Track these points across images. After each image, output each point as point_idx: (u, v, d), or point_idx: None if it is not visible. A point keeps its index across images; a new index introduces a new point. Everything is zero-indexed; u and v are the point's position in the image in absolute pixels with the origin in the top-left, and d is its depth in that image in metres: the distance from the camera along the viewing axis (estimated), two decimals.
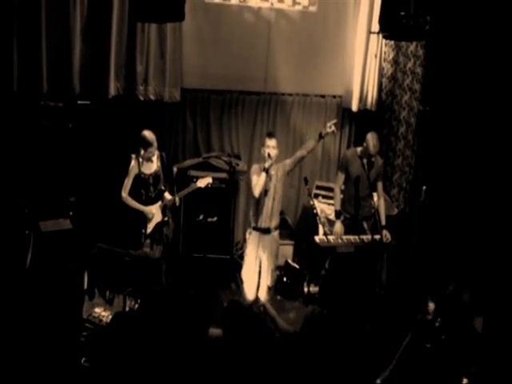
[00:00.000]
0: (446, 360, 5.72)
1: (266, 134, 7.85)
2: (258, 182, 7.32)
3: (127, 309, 6.71)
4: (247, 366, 4.99)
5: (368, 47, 9.70)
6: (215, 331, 5.27)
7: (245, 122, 9.79)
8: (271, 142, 7.41)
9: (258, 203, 7.44)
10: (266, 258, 7.53)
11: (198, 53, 9.38)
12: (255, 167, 7.52)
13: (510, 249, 6.94)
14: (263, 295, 7.58)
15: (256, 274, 7.57)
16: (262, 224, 7.46)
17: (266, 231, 7.47)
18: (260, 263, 7.55)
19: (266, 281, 7.60)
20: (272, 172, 7.42)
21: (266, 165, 7.28)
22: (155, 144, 7.57)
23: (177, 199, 7.77)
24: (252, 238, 7.55)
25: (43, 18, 8.32)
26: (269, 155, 7.33)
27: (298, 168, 9.82)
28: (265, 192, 7.36)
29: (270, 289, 7.66)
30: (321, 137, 7.63)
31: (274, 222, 7.52)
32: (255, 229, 7.51)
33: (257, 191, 7.34)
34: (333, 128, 7.60)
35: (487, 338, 6.56)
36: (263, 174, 7.28)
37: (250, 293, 7.62)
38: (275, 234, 7.58)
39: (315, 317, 5.67)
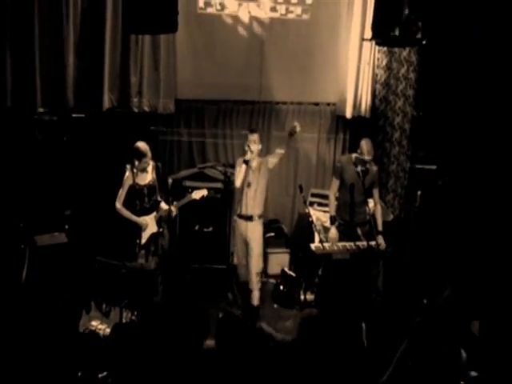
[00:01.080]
0: (443, 364, 5.70)
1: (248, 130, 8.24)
2: (238, 173, 7.89)
3: (124, 321, 6.70)
4: (241, 378, 5.00)
5: (361, 54, 9.73)
6: (210, 343, 5.27)
7: (239, 131, 9.78)
8: (252, 137, 7.86)
9: (242, 193, 7.97)
10: (252, 243, 7.97)
11: (191, 63, 9.41)
12: (239, 160, 8.01)
13: (506, 253, 6.95)
14: (254, 283, 7.98)
15: (244, 257, 8.08)
16: (245, 212, 7.94)
17: (249, 218, 7.95)
18: (247, 248, 8.01)
19: (255, 267, 7.99)
20: (254, 165, 7.88)
21: (246, 157, 7.78)
22: (149, 154, 7.58)
23: (174, 209, 7.77)
24: (237, 224, 8.13)
25: (36, 32, 8.37)
26: (249, 148, 7.80)
27: (293, 175, 9.98)
28: (248, 184, 7.86)
29: (258, 274, 8.03)
30: (291, 134, 7.97)
31: (257, 211, 7.99)
32: (239, 216, 8.03)
33: (237, 182, 7.93)
34: (296, 124, 7.97)
35: (485, 341, 6.57)
36: (243, 166, 7.81)
37: (242, 274, 8.18)
38: (258, 221, 8.03)
39: (312, 319, 5.69)
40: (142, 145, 7.56)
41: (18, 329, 6.70)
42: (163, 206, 7.84)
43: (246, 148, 7.82)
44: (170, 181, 8.33)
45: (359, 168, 7.81)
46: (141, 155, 7.53)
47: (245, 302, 8.04)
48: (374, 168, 8.04)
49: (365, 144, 7.80)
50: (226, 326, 5.29)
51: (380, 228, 7.89)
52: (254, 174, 7.86)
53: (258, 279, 7.99)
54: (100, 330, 6.71)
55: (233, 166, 9.38)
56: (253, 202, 7.88)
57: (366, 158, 7.75)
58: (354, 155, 8.02)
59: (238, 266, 8.25)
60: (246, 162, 7.76)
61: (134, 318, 6.77)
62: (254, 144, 7.80)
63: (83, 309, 6.97)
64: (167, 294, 8.00)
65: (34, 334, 6.64)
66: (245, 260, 8.05)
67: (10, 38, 8.27)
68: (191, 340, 5.24)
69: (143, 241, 7.72)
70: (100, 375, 5.55)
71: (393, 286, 8.24)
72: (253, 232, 7.96)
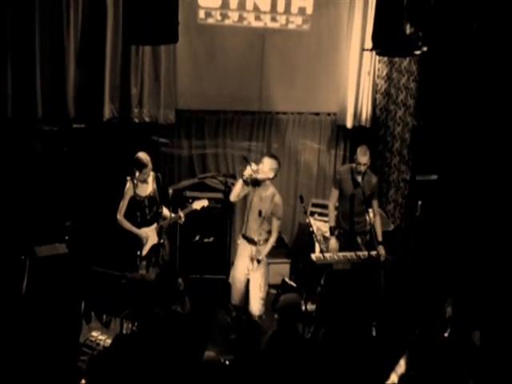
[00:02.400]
0: (444, 374, 5.70)
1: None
2: (235, 188, 7.69)
3: (124, 332, 6.69)
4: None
5: (361, 64, 9.77)
6: (210, 354, 5.26)
7: (240, 141, 9.81)
8: (264, 159, 7.57)
9: (248, 215, 7.65)
10: (254, 270, 7.62)
11: (192, 74, 9.41)
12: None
13: (506, 263, 6.94)
14: (256, 307, 7.70)
15: (244, 279, 7.73)
16: (249, 234, 7.65)
17: (252, 242, 7.61)
18: (248, 272, 7.68)
19: (258, 293, 7.68)
20: (265, 194, 7.54)
21: (245, 174, 7.50)
22: (150, 165, 7.58)
23: (182, 215, 7.75)
24: (241, 244, 7.78)
25: (37, 43, 8.35)
26: (256, 165, 7.52)
27: (294, 186, 9.96)
28: (259, 212, 7.48)
29: (262, 299, 7.73)
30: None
31: (261, 238, 7.61)
32: (243, 236, 7.73)
33: (233, 197, 7.72)
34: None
35: (485, 351, 6.55)
36: (240, 181, 7.58)
37: (236, 297, 7.80)
38: (262, 248, 7.62)
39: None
40: (142, 155, 7.56)
41: (18, 340, 6.69)
42: (166, 213, 7.82)
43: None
44: (170, 191, 8.33)
45: (359, 178, 7.84)
46: (142, 165, 7.53)
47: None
48: (374, 179, 8.06)
49: (359, 150, 7.91)
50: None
51: (380, 238, 7.90)
52: (263, 203, 7.54)
53: (261, 303, 7.73)
54: (100, 340, 6.70)
55: (233, 177, 9.42)
56: (258, 228, 7.55)
57: (360, 160, 7.78)
58: (352, 165, 8.05)
59: (232, 289, 7.87)
60: (245, 182, 7.50)
61: (134, 328, 6.76)
62: (263, 166, 7.48)
63: (83, 319, 6.96)
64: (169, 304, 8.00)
65: (34, 345, 6.62)
66: (242, 285, 7.75)
67: (11, 48, 8.25)
68: (191, 350, 5.24)
69: (144, 252, 7.72)
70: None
71: (393, 296, 8.23)
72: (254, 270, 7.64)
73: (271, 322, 7.97)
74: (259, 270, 7.63)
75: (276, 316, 7.92)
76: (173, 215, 7.74)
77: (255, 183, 7.57)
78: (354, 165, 7.99)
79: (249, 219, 7.63)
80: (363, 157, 7.80)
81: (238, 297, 7.79)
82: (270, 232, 7.61)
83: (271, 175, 7.54)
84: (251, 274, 7.64)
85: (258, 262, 7.56)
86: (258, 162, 7.68)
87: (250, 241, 7.63)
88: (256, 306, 7.68)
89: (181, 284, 7.60)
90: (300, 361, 5.45)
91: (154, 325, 5.69)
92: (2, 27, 8.19)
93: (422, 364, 5.67)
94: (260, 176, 7.50)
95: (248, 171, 7.49)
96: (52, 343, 6.69)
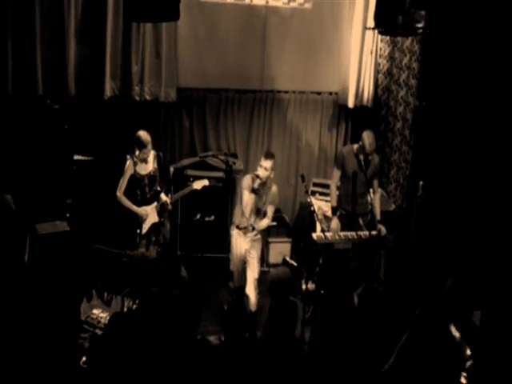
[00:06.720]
0: (444, 354, 5.70)
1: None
2: (247, 202, 7.52)
3: (125, 309, 6.70)
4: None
5: (364, 43, 9.70)
6: (212, 339, 5.28)
7: (241, 120, 9.80)
8: (264, 163, 7.48)
9: (246, 209, 7.61)
10: (252, 252, 7.75)
11: (193, 52, 9.37)
12: (246, 180, 7.66)
13: (507, 242, 6.94)
14: (251, 289, 7.75)
15: (242, 264, 7.84)
16: (246, 224, 7.69)
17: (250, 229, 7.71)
18: (245, 256, 7.77)
19: (254, 273, 7.77)
20: (262, 191, 7.56)
21: (255, 185, 7.43)
22: (150, 145, 7.57)
23: (168, 201, 7.77)
24: (235, 235, 7.81)
25: (37, 20, 8.33)
26: (257, 176, 7.44)
27: (295, 166, 9.95)
28: (257, 210, 7.60)
29: (256, 280, 7.78)
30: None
31: (258, 221, 7.72)
32: (238, 228, 7.76)
33: (247, 211, 7.58)
34: None
35: (486, 331, 6.56)
36: (252, 196, 7.46)
37: (237, 280, 7.92)
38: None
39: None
40: (143, 134, 7.54)
41: (19, 317, 6.69)
42: (163, 196, 7.84)
43: (257, 171, 7.50)
44: (171, 170, 8.35)
45: (361, 158, 7.82)
46: (141, 145, 7.52)
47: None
48: (376, 159, 8.05)
49: (366, 136, 7.79)
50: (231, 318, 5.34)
51: (379, 217, 7.90)
52: (262, 199, 7.61)
53: (255, 285, 7.79)
54: (101, 318, 6.72)
55: (234, 155, 9.40)
56: (255, 219, 7.68)
57: (368, 150, 7.75)
58: (355, 146, 8.01)
59: (234, 272, 8.00)
60: (255, 192, 7.45)
61: (135, 306, 6.77)
62: (265, 171, 7.44)
63: (84, 297, 6.98)
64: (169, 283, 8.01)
65: (35, 323, 6.63)
66: (241, 267, 7.87)
67: (11, 25, 8.23)
68: (190, 331, 5.25)
69: (144, 231, 7.74)
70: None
71: (394, 276, 8.25)
72: (253, 242, 7.79)
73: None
74: (255, 253, 7.76)
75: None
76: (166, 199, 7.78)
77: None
78: (356, 145, 7.96)
79: (244, 214, 7.66)
80: (370, 147, 7.75)
81: (238, 278, 7.90)
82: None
83: (272, 174, 7.59)
84: (249, 253, 7.74)
85: (253, 229, 7.65)
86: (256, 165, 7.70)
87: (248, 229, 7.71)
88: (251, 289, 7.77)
89: (185, 277, 7.62)
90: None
91: (152, 303, 5.70)
92: (3, 5, 8.15)
93: (422, 343, 5.68)
94: (264, 179, 7.49)
95: (258, 183, 7.45)
96: (53, 321, 6.70)
